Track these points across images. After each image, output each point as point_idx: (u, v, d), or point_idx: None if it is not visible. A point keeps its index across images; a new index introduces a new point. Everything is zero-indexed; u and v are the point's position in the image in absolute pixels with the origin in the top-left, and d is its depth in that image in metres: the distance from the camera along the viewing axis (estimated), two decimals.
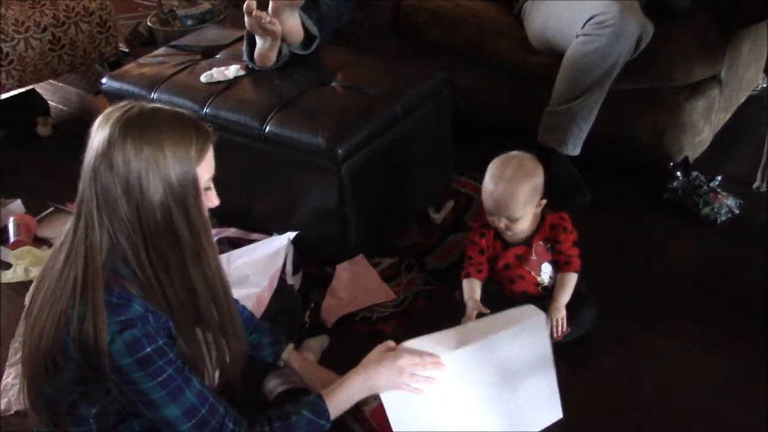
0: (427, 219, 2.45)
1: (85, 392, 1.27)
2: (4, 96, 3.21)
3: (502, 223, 1.85)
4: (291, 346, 1.75)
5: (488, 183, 1.84)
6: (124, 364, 1.19)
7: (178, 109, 1.29)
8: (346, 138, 2.04)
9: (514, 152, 1.88)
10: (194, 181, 1.25)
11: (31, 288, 2.19)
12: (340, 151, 2.02)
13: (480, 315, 1.86)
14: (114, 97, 2.46)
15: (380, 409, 1.76)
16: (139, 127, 1.20)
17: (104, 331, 1.16)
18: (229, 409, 1.33)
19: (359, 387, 1.47)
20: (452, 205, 2.50)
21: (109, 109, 1.26)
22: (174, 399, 1.25)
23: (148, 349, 1.21)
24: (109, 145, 1.19)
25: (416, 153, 2.30)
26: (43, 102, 3.32)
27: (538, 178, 1.84)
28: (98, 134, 1.22)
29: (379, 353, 1.51)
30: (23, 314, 2.18)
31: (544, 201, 1.87)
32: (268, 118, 2.13)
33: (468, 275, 1.95)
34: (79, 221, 1.24)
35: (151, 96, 2.33)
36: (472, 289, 1.94)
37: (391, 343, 1.54)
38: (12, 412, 1.89)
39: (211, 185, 1.34)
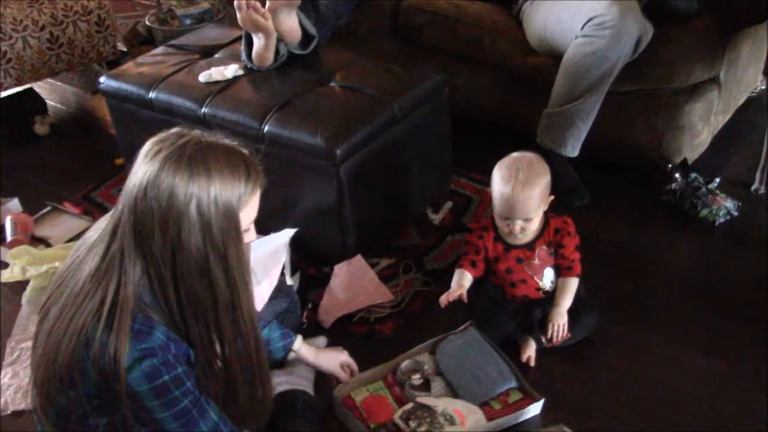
0: (426, 220, 2.44)
1: (98, 405, 1.25)
2: (2, 94, 3.20)
3: (517, 226, 1.83)
4: (300, 337, 1.76)
5: (502, 187, 1.82)
6: (141, 391, 1.18)
7: (232, 145, 1.24)
8: (344, 138, 2.03)
9: (519, 153, 1.87)
10: (236, 228, 1.22)
11: (29, 287, 2.20)
12: (338, 152, 2.01)
13: (461, 302, 1.88)
14: (112, 96, 2.46)
15: (372, 399, 1.78)
16: (188, 165, 1.16)
17: (124, 358, 1.15)
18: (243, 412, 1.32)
19: None
20: (451, 206, 2.50)
21: (162, 136, 1.22)
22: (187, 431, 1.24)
23: (166, 378, 1.19)
24: (155, 180, 1.15)
25: (415, 154, 2.30)
26: (41, 101, 3.32)
27: (548, 176, 1.84)
28: (145, 165, 1.18)
29: None
30: (20, 313, 2.18)
31: (552, 197, 1.87)
32: (267, 118, 2.12)
33: (461, 266, 1.94)
34: (113, 243, 1.21)
35: (149, 96, 2.32)
36: (462, 277, 1.93)
37: None
38: (8, 412, 1.88)
39: (252, 226, 1.30)
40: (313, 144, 2.03)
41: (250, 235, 1.31)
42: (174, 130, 1.23)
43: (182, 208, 1.16)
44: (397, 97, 2.18)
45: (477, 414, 1.72)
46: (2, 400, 1.91)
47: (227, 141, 1.25)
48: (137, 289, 1.20)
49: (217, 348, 1.28)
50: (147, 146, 1.21)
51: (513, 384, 1.79)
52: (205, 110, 2.21)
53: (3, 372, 2.00)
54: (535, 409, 1.75)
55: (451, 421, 1.70)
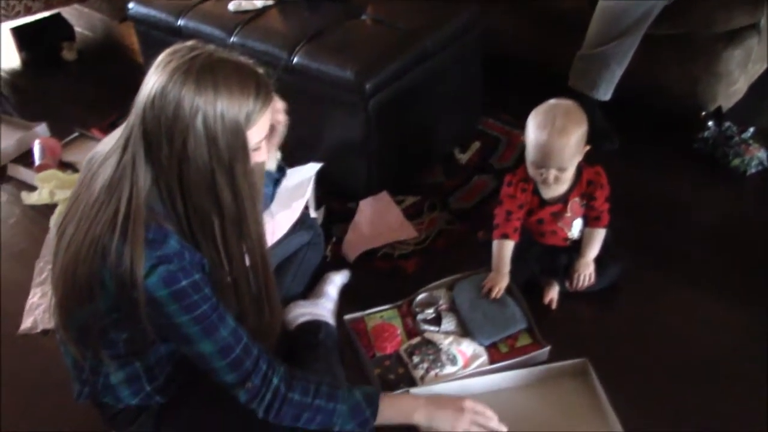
0: (453, 159, 2.43)
1: (118, 319, 1.27)
2: (30, 19, 3.18)
3: (551, 175, 1.78)
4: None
5: (538, 134, 1.74)
6: (159, 296, 1.18)
7: (244, 62, 1.22)
8: (374, 72, 2.01)
9: (555, 100, 1.80)
10: (243, 146, 1.21)
11: (56, 210, 2.23)
12: (368, 86, 1.99)
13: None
14: (141, 23, 2.45)
15: (382, 328, 1.84)
16: (196, 79, 1.15)
17: (140, 265, 1.15)
18: (263, 352, 1.33)
19: (419, 405, 1.42)
20: (478, 147, 2.47)
21: (176, 47, 1.20)
22: (208, 335, 1.24)
23: (184, 283, 1.20)
24: (163, 91, 1.15)
25: (444, 91, 2.27)
26: (68, 27, 3.30)
27: (585, 125, 1.77)
28: (155, 75, 1.17)
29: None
30: (48, 235, 2.21)
31: (588, 147, 1.81)
32: (296, 49, 2.10)
33: (505, 236, 1.86)
34: (125, 153, 1.21)
35: (178, 23, 2.31)
36: (504, 255, 1.86)
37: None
38: (38, 330, 1.93)
39: (263, 145, 1.29)
40: (342, 77, 2.01)
41: (261, 154, 1.30)
42: (189, 42, 1.22)
43: (188, 121, 1.15)
44: (429, 33, 2.14)
45: (481, 357, 1.75)
46: (31, 319, 1.95)
47: (241, 58, 1.23)
48: (149, 199, 1.20)
49: (225, 264, 1.29)
50: (160, 57, 1.20)
51: (523, 326, 1.80)
52: (234, 39, 2.19)
53: (32, 292, 2.03)
54: (541, 355, 1.76)
55: (454, 361, 1.72)
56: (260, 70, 1.24)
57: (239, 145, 1.20)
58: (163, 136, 1.16)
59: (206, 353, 1.26)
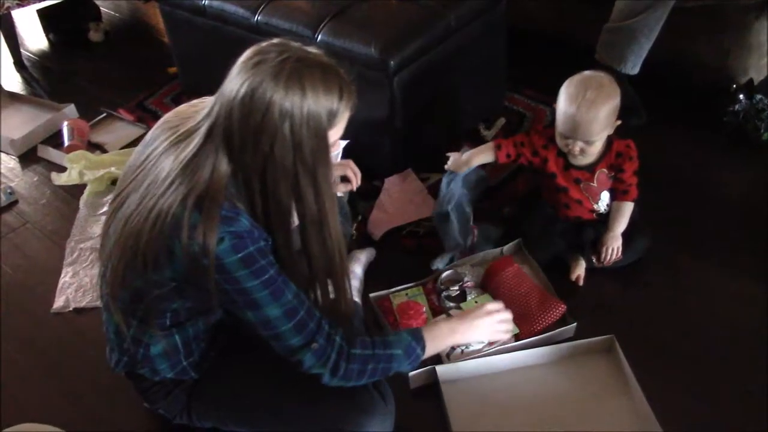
0: (478, 135, 2.41)
1: (177, 287, 1.30)
2: (58, 0, 3.21)
3: (577, 147, 1.77)
4: None
5: (567, 105, 1.73)
6: (229, 262, 1.21)
7: (329, 63, 1.23)
8: (399, 49, 2.00)
9: (590, 72, 1.78)
10: (326, 148, 1.24)
11: (86, 191, 2.25)
12: (392, 63, 1.98)
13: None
14: (165, 2, 2.45)
15: (407, 305, 1.84)
16: (285, 86, 1.17)
17: (214, 236, 1.19)
18: (323, 316, 1.36)
19: (456, 327, 1.49)
20: (503, 123, 2.46)
21: (263, 47, 1.21)
22: (276, 299, 1.27)
23: (252, 249, 1.23)
24: (253, 94, 1.17)
25: (469, 67, 2.26)
26: (95, 7, 3.32)
27: (617, 100, 1.75)
28: (243, 74, 1.19)
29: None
30: (78, 215, 2.23)
31: (619, 122, 1.79)
32: (321, 27, 2.09)
33: (498, 146, 1.92)
34: (207, 141, 1.23)
35: (202, 2, 2.31)
36: (480, 152, 1.94)
37: None
38: (70, 309, 1.96)
39: (337, 141, 1.31)
40: (366, 54, 2.00)
41: (335, 148, 1.32)
42: (276, 41, 1.23)
43: (276, 126, 1.18)
44: (453, 9, 2.12)
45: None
46: (63, 298, 1.99)
47: (326, 59, 1.25)
48: (227, 182, 1.23)
49: (304, 259, 1.32)
50: (248, 54, 1.22)
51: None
52: (259, 18, 2.19)
53: (63, 271, 2.07)
54: (568, 332, 1.75)
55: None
56: (342, 70, 1.25)
57: (322, 148, 1.23)
58: (250, 137, 1.19)
59: (273, 317, 1.28)
